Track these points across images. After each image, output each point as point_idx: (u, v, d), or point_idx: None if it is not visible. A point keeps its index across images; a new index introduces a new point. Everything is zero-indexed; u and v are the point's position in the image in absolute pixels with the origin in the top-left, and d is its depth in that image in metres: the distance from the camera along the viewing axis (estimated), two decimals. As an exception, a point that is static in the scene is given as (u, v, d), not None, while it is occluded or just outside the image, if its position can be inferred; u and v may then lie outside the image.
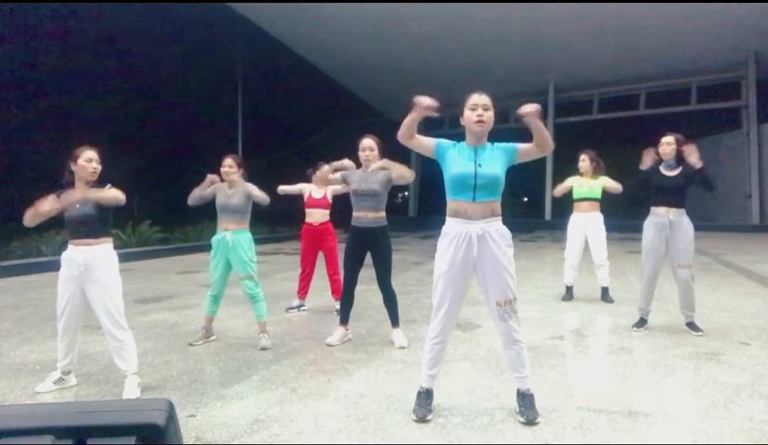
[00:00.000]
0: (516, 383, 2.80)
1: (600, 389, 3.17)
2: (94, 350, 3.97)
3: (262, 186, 4.33)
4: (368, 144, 4.08)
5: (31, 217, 3.14)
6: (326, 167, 4.46)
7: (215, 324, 4.54)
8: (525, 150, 2.75)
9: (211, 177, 4.19)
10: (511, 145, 2.77)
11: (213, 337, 4.33)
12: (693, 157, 4.22)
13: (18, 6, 16.42)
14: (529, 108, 2.56)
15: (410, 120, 2.68)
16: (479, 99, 2.67)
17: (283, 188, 5.31)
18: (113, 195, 3.19)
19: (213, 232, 4.26)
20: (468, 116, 2.68)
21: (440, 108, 2.63)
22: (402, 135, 2.74)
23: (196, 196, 4.21)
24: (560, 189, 5.92)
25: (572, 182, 5.87)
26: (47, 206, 3.13)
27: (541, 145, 2.70)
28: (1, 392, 3.20)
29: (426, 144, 2.79)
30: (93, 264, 3.13)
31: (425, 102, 2.61)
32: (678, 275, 4.41)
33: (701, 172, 4.26)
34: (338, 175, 4.22)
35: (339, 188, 5.21)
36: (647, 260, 4.52)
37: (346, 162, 4.25)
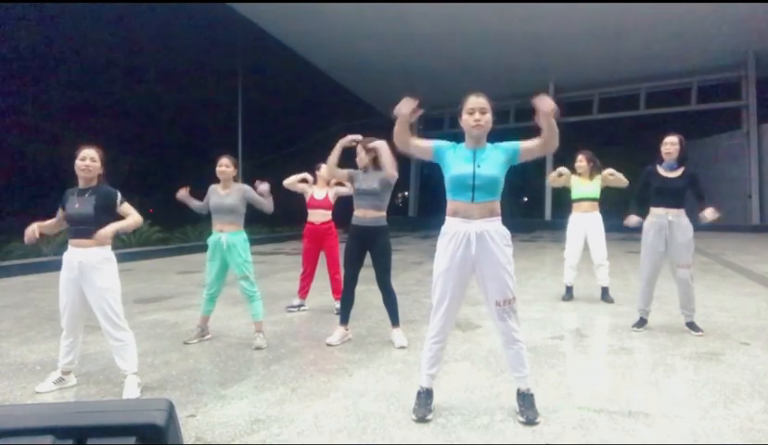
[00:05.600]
0: (516, 383, 2.80)
1: (600, 389, 3.17)
2: (94, 350, 3.97)
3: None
4: (357, 148, 4.15)
5: (29, 236, 3.19)
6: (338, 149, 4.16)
7: (215, 323, 4.56)
8: (528, 149, 2.70)
9: (180, 194, 4.35)
10: (512, 144, 2.74)
11: (209, 336, 4.34)
12: (710, 217, 4.32)
13: (18, 6, 16.42)
14: (546, 106, 2.50)
15: (398, 130, 2.71)
16: (476, 103, 2.67)
17: (287, 182, 5.30)
18: (131, 223, 3.26)
19: (212, 232, 4.27)
20: (466, 120, 2.68)
21: (420, 105, 2.62)
22: (397, 144, 2.76)
23: (196, 207, 4.40)
24: (554, 176, 5.91)
25: (567, 178, 5.85)
26: (46, 229, 3.27)
27: (549, 144, 2.63)
28: (1, 392, 3.20)
29: (424, 146, 2.80)
30: (88, 268, 3.12)
31: (403, 109, 2.61)
32: (678, 275, 4.41)
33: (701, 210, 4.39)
34: (344, 172, 4.22)
35: (342, 190, 5.21)
36: (647, 260, 4.52)
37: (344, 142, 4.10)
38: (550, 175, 6.03)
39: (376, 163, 4.10)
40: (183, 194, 4.36)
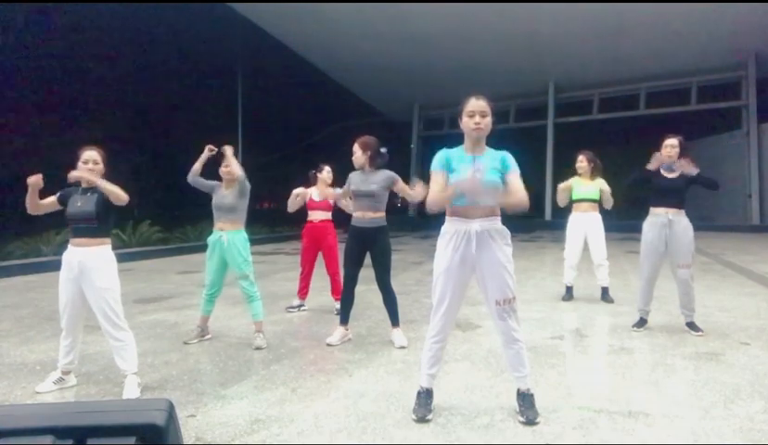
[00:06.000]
0: (516, 383, 2.80)
1: (600, 389, 3.17)
2: (94, 350, 3.97)
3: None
4: (354, 147, 4.13)
5: (29, 201, 3.17)
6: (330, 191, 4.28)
7: (215, 323, 4.56)
8: (508, 184, 2.69)
9: (208, 148, 4.27)
10: (506, 166, 2.71)
11: (209, 336, 4.34)
12: (686, 169, 4.27)
13: (17, 6, 16.42)
14: (466, 188, 2.54)
15: (445, 198, 2.63)
16: (476, 105, 2.68)
17: (290, 209, 5.24)
18: (116, 190, 3.18)
19: (212, 232, 4.27)
20: (466, 122, 2.69)
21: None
22: (433, 206, 2.66)
23: (195, 171, 4.31)
24: (562, 197, 5.91)
25: (571, 182, 5.86)
26: (46, 202, 3.20)
27: (512, 206, 2.66)
28: (1, 392, 3.20)
29: (444, 184, 2.71)
30: (88, 267, 3.12)
31: (477, 194, 2.57)
32: (678, 275, 4.41)
33: (700, 177, 4.31)
34: (344, 191, 4.21)
35: (345, 203, 5.14)
36: (647, 260, 4.52)
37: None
38: (560, 196, 5.97)
39: (372, 162, 4.11)
40: (211, 151, 4.27)
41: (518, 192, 2.65)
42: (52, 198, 3.28)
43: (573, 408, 2.84)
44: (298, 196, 5.22)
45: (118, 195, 3.19)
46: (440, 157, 2.77)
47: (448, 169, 2.73)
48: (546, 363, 3.62)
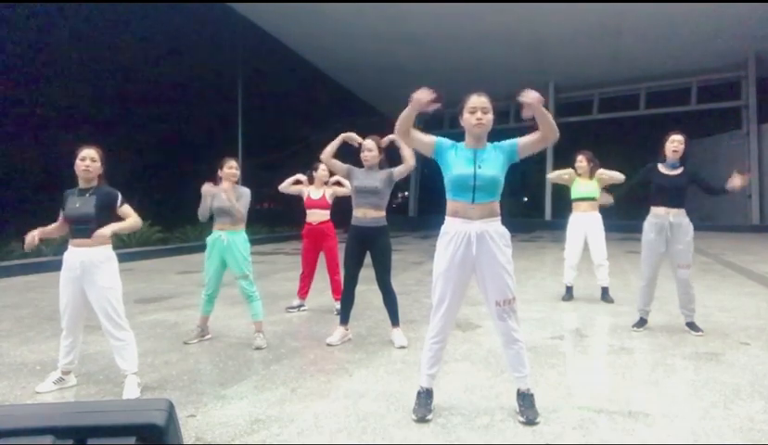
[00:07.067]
0: (516, 383, 2.80)
1: (600, 389, 3.17)
2: (94, 350, 3.97)
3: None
4: (368, 144, 4.12)
5: (29, 243, 3.19)
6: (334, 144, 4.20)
7: (215, 323, 4.56)
8: (526, 144, 2.71)
9: (205, 189, 4.19)
10: (510, 142, 2.75)
11: (209, 336, 4.34)
12: (737, 184, 4.25)
13: (17, 6, 16.42)
14: (531, 98, 2.51)
15: (405, 114, 2.66)
16: (477, 102, 2.68)
17: (282, 186, 5.33)
18: (130, 224, 3.26)
19: (211, 231, 4.27)
20: (467, 119, 2.69)
21: (439, 99, 2.59)
22: (398, 130, 2.72)
23: (204, 211, 4.23)
24: (555, 175, 5.95)
25: (570, 179, 5.86)
26: (47, 234, 3.27)
27: (546, 134, 2.64)
28: (1, 392, 3.20)
29: (425, 140, 2.78)
30: (90, 267, 3.12)
31: (421, 97, 2.59)
32: (678, 275, 4.41)
33: (703, 182, 4.40)
34: (343, 166, 4.20)
35: (341, 190, 5.21)
36: (647, 260, 4.52)
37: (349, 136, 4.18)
38: (554, 173, 6.03)
39: (382, 161, 4.13)
40: (211, 188, 4.18)
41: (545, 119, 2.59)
42: (61, 218, 3.26)
43: (573, 408, 2.84)
44: (298, 182, 5.33)
45: (133, 228, 3.32)
46: (444, 139, 2.80)
47: (439, 149, 2.75)
48: (546, 363, 3.62)
